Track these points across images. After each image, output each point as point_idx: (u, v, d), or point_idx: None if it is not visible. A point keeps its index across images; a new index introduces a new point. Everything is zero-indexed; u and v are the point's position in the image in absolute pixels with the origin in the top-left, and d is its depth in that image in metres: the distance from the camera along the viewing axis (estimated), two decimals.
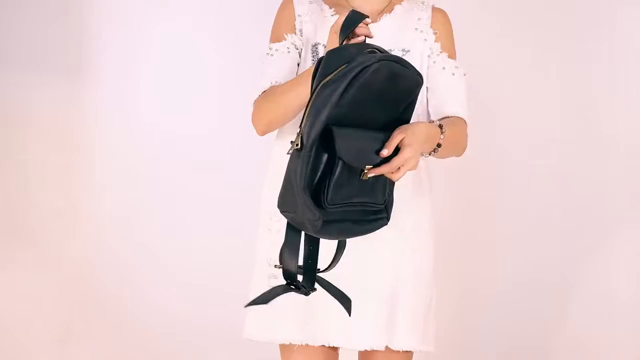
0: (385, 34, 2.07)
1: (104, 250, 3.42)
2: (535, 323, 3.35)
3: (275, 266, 1.75)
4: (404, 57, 2.04)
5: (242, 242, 3.24)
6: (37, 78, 3.39)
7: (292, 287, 1.75)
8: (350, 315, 1.86)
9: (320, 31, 2.10)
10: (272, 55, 2.09)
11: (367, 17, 1.82)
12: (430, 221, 2.15)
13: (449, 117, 2.09)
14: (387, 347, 2.06)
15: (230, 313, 3.27)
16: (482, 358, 3.36)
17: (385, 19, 2.11)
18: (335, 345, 2.09)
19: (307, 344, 2.06)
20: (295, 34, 2.12)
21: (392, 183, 1.83)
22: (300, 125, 1.67)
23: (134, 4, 3.44)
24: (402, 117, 1.79)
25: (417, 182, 2.11)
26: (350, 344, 2.06)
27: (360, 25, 1.81)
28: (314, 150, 1.64)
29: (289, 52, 2.10)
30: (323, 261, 1.80)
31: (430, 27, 2.12)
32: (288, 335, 2.06)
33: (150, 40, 3.44)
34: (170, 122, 3.42)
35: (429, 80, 2.12)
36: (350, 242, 1.84)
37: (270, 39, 2.14)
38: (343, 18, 1.80)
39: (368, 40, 1.84)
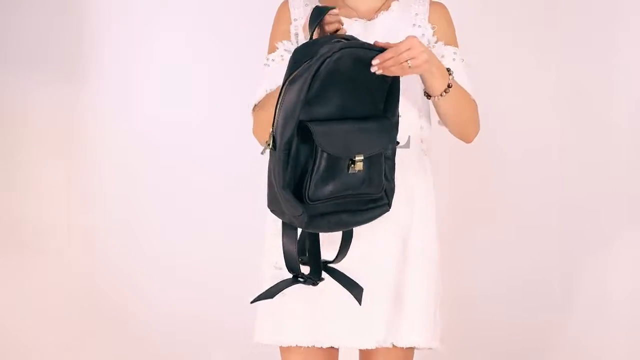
0: (381, 32, 2.04)
1: (104, 250, 3.42)
2: (534, 323, 3.34)
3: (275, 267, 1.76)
4: None
5: (242, 243, 3.25)
6: (37, 78, 3.39)
7: (298, 279, 1.76)
8: (360, 304, 1.85)
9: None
10: (268, 65, 2.09)
11: (332, 8, 1.82)
12: (436, 213, 2.11)
13: None
14: (392, 344, 2.03)
15: (230, 313, 3.29)
16: (480, 359, 3.36)
17: (382, 16, 2.08)
18: (343, 346, 2.06)
19: (314, 346, 2.03)
20: (289, 39, 2.10)
21: (392, 169, 1.83)
22: (273, 125, 1.69)
23: (133, 4, 3.44)
24: (386, 107, 1.80)
25: (420, 172, 2.08)
26: (356, 343, 2.02)
27: (328, 19, 1.81)
28: (294, 147, 1.67)
29: (282, 59, 2.08)
30: (332, 252, 1.84)
31: (428, 21, 2.09)
32: (295, 338, 2.03)
33: (150, 40, 3.44)
34: (171, 122, 3.42)
35: None
36: (354, 235, 1.85)
37: (268, 50, 2.14)
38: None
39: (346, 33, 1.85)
